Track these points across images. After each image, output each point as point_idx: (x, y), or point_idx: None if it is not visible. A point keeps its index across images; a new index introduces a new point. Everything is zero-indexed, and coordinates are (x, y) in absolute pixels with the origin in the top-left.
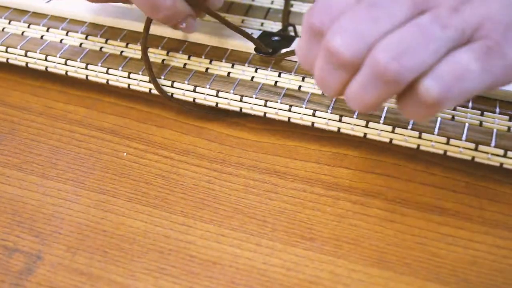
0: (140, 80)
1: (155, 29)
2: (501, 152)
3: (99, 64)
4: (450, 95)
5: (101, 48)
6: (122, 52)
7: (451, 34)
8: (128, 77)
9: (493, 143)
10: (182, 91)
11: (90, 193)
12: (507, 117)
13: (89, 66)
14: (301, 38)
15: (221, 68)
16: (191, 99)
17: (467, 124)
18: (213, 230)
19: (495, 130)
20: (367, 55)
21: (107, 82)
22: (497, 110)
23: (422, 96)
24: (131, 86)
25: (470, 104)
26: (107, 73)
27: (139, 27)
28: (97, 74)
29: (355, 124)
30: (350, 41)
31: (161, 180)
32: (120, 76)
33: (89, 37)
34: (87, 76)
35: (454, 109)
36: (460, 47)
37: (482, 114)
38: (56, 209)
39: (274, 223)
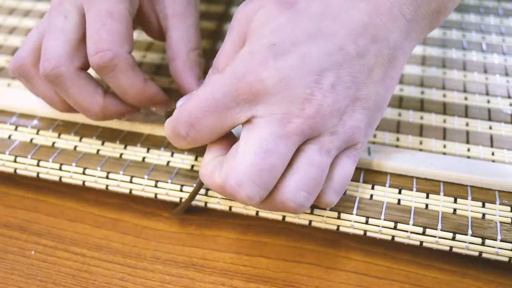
0: (50, 168)
1: (68, 115)
2: (420, 230)
3: (7, 153)
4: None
5: (9, 136)
6: (32, 139)
7: (334, 153)
8: (37, 165)
9: (411, 221)
10: (94, 178)
11: None
12: (425, 194)
13: None
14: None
15: (136, 153)
16: (104, 187)
17: (385, 203)
18: None
19: (413, 207)
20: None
21: (15, 171)
22: (415, 187)
23: (323, 205)
24: (40, 175)
25: (387, 183)
26: (15, 161)
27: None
28: (4, 163)
29: None
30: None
31: (71, 280)
32: (29, 165)
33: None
34: None
35: (372, 188)
36: (340, 157)
37: (400, 192)
38: None
39: None
